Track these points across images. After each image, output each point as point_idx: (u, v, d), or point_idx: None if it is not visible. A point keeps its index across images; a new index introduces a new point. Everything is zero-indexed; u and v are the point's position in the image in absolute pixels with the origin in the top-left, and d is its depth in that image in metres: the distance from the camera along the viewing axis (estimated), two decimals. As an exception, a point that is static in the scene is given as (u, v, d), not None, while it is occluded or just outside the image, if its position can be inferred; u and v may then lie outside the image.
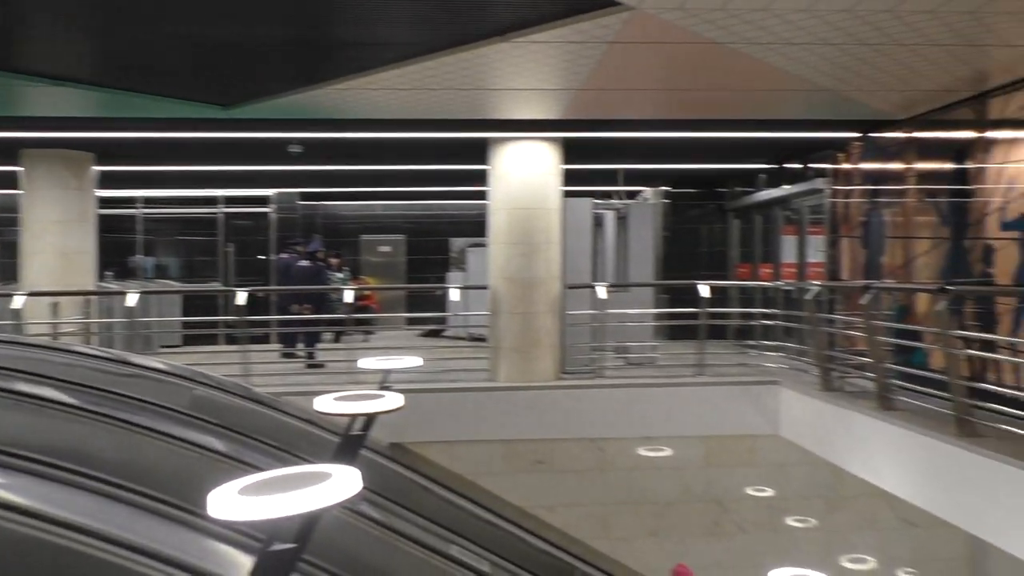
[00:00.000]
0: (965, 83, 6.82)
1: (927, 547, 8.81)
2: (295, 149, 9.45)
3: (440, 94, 7.19)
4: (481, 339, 10.10)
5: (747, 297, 11.43)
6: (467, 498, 6.00)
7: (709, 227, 13.38)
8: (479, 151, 9.10)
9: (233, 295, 8.71)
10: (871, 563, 8.91)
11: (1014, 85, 6.70)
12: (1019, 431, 5.36)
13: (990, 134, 7.11)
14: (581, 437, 8.76)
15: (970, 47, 5.78)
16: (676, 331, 10.95)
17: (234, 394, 5.09)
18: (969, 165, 7.39)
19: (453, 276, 13.71)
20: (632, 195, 13.39)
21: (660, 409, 8.58)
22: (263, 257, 14.94)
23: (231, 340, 9.55)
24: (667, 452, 8.96)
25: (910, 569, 8.88)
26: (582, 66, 6.33)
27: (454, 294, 10.36)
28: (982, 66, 6.31)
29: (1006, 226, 6.88)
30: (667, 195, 13.29)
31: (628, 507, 8.86)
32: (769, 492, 8.92)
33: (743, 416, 8.57)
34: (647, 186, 13.41)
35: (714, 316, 9.33)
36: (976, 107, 7.22)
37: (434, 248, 15.25)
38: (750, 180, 12.40)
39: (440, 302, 12.65)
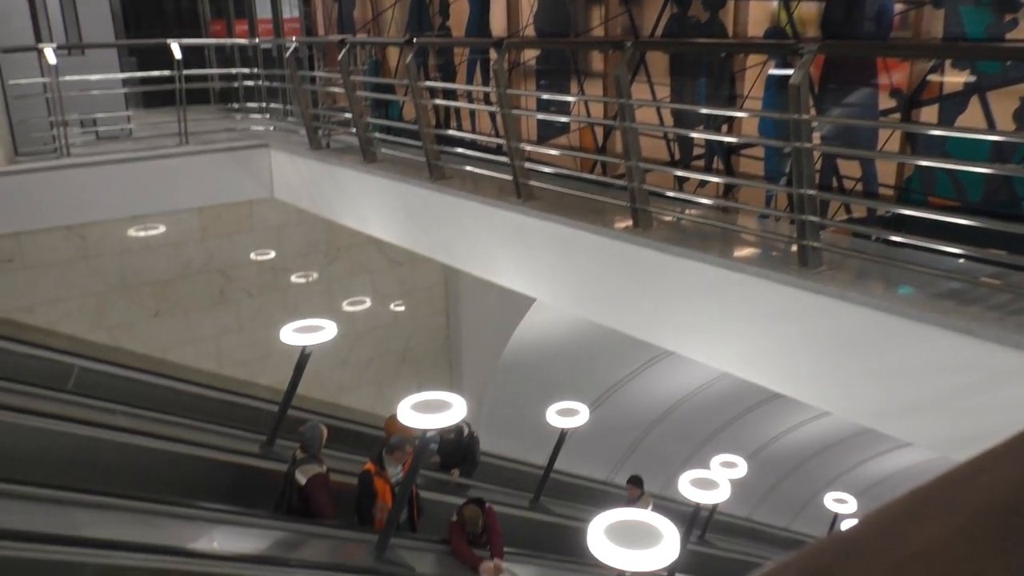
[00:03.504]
0: None
1: (410, 281, 10.06)
2: None
3: None
4: None
5: (225, 57, 10.79)
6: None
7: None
8: None
9: None
10: (367, 303, 9.90)
11: None
12: (478, 171, 6.12)
13: None
14: (55, 226, 7.79)
15: None
16: (151, 98, 10.02)
17: None
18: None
19: None
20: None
21: (145, 185, 8.00)
22: None
23: None
24: (161, 229, 8.48)
25: (399, 302, 10.10)
26: None
27: None
28: None
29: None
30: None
31: (123, 292, 8.33)
32: (271, 254, 9.12)
33: (236, 183, 8.42)
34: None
35: (192, 79, 8.67)
36: None
37: None
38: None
39: None
